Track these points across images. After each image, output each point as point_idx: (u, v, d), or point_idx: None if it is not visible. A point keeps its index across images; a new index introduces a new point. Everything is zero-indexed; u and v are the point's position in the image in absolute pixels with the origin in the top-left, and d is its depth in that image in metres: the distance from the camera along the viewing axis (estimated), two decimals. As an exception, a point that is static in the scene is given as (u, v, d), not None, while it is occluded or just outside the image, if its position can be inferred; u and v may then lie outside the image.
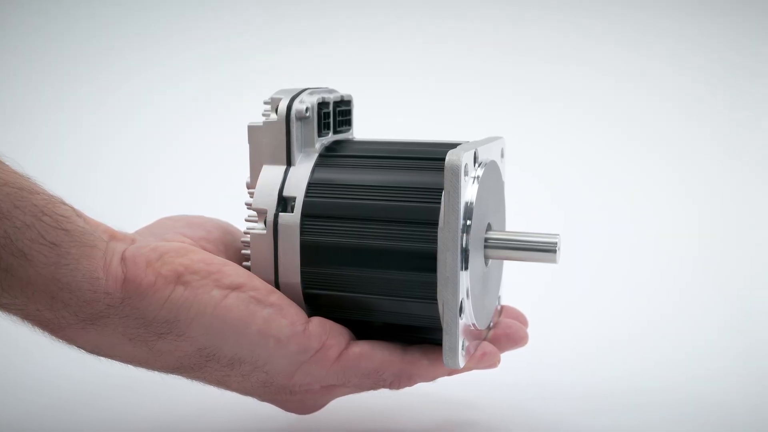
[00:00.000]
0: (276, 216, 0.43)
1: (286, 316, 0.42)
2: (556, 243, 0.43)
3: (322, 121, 0.46)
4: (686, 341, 0.67)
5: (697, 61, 1.06)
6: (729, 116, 1.04)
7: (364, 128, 0.56)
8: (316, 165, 0.45)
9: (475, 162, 0.42)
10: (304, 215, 0.43)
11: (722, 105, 1.05)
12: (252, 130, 0.45)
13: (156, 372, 0.43)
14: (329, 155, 0.45)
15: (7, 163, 0.38)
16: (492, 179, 0.45)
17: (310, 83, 0.50)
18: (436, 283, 0.41)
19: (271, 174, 0.44)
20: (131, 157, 1.05)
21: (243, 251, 0.45)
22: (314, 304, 0.44)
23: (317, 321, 0.43)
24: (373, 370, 0.43)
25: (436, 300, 0.41)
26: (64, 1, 1.10)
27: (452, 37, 1.10)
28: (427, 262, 0.41)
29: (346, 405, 0.50)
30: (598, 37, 1.09)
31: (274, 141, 0.45)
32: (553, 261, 0.43)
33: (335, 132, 0.48)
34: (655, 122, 1.05)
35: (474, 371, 0.45)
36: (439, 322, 0.41)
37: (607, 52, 1.08)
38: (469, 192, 0.41)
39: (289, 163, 0.45)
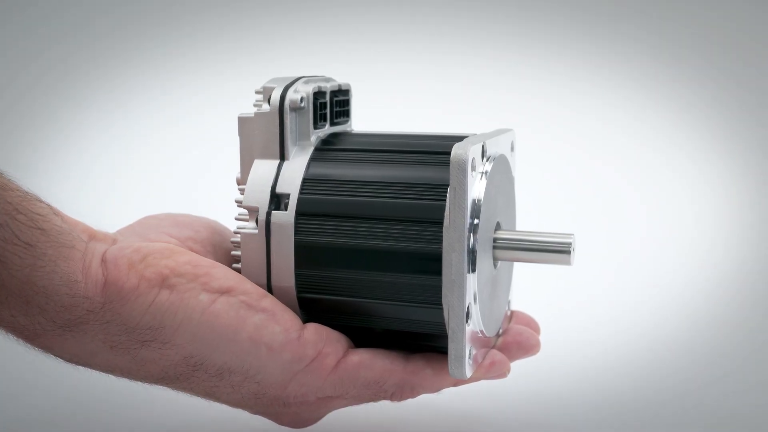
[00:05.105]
0: (268, 214, 0.43)
1: (279, 322, 0.41)
2: (570, 243, 0.43)
3: (319, 112, 0.46)
4: (708, 349, 0.67)
5: (712, 57, 1.06)
6: (746, 111, 1.04)
7: (363, 120, 0.56)
8: (312, 159, 0.45)
9: (482, 156, 0.42)
10: (299, 213, 0.43)
11: (741, 99, 1.04)
12: (243, 121, 0.45)
13: (139, 382, 0.43)
14: (326, 149, 0.45)
15: (-23, 158, 0.38)
16: (501, 175, 0.45)
17: (306, 71, 0.50)
18: (440, 286, 0.40)
19: (263, 169, 0.44)
20: (112, 150, 1.05)
21: (233, 252, 0.45)
22: (310, 309, 0.44)
23: (313, 327, 0.43)
24: (373, 380, 0.43)
25: (440, 305, 0.41)
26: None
27: (459, 22, 1.10)
28: (432, 263, 0.41)
29: (345, 418, 0.50)
30: (613, 25, 1.09)
31: (266, 133, 0.45)
32: (567, 263, 0.43)
33: (332, 124, 0.48)
34: (673, 116, 1.05)
35: (482, 382, 0.45)
36: (444, 328, 0.41)
37: (620, 41, 1.08)
38: (476, 188, 0.41)
39: (282, 157, 0.45)
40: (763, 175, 0.99)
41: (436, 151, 0.43)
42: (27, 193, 0.38)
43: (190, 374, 0.41)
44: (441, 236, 0.40)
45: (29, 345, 0.40)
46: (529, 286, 0.59)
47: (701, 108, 1.05)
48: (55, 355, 0.41)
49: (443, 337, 0.41)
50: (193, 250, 0.44)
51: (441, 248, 0.40)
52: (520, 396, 0.57)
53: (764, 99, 1.04)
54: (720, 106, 1.05)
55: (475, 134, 0.44)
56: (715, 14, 1.06)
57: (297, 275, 0.43)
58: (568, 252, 0.43)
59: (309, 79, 0.46)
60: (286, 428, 0.47)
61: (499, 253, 0.44)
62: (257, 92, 0.46)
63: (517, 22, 1.10)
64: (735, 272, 0.84)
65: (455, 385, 0.45)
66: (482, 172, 0.42)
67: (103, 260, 0.40)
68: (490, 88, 1.07)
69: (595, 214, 0.94)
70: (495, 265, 0.45)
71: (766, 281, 0.82)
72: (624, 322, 0.72)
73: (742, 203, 0.96)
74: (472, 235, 0.40)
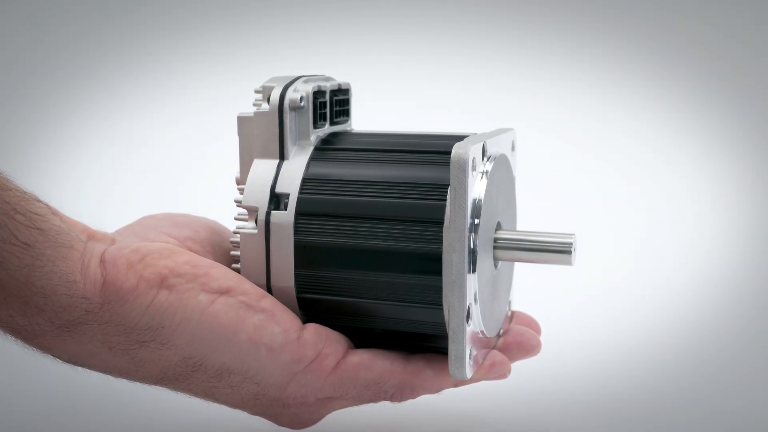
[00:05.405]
0: (268, 214, 0.43)
1: (278, 323, 0.41)
2: (571, 243, 0.43)
3: (318, 112, 0.46)
4: (709, 349, 0.67)
5: (712, 57, 1.06)
6: (747, 111, 1.04)
7: (363, 119, 0.56)
8: (312, 159, 0.44)
9: (483, 156, 0.42)
10: (299, 213, 0.43)
11: (742, 99, 1.04)
12: (242, 121, 0.45)
13: (138, 383, 0.43)
14: (326, 148, 0.45)
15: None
16: (502, 174, 0.45)
17: (305, 70, 0.50)
18: (441, 286, 0.40)
19: (263, 169, 0.44)
20: (112, 150, 1.05)
21: (232, 252, 0.45)
22: (309, 309, 0.44)
23: (312, 328, 0.43)
24: (372, 381, 0.43)
25: (441, 305, 0.41)
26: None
27: (459, 22, 1.10)
28: (432, 264, 0.40)
29: (344, 419, 0.50)
30: (613, 25, 1.08)
31: (265, 133, 0.44)
32: (569, 263, 0.43)
33: (332, 123, 0.48)
34: (673, 116, 1.05)
35: (482, 382, 0.45)
36: (445, 329, 0.41)
37: (621, 41, 1.08)
38: (477, 188, 0.41)
39: (282, 156, 0.44)
40: (764, 175, 0.99)
41: (436, 151, 0.43)
42: (25, 192, 0.38)
43: (189, 375, 0.41)
44: (441, 236, 0.40)
45: (27, 345, 0.40)
46: (530, 287, 0.59)
47: (702, 108, 1.05)
48: (53, 356, 0.41)
49: (443, 337, 0.41)
50: (192, 250, 0.44)
51: (441, 248, 0.40)
52: (520, 397, 0.57)
53: (765, 99, 1.04)
54: (720, 106, 1.05)
55: (476, 134, 0.44)
56: (715, 14, 1.06)
57: (296, 275, 0.43)
58: (569, 252, 0.43)
59: (309, 79, 0.46)
60: (286, 429, 0.46)
61: (500, 253, 0.44)
62: (257, 91, 0.46)
63: (517, 22, 1.10)
64: (735, 272, 0.84)
65: (456, 385, 0.45)
66: (483, 172, 0.42)
67: (102, 260, 0.40)
68: (491, 87, 1.06)
69: (596, 214, 0.94)
70: (496, 266, 0.45)
71: (766, 281, 0.82)
72: (625, 323, 0.72)
73: (742, 203, 0.96)
74: (472, 235, 0.40)
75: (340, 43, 1.09)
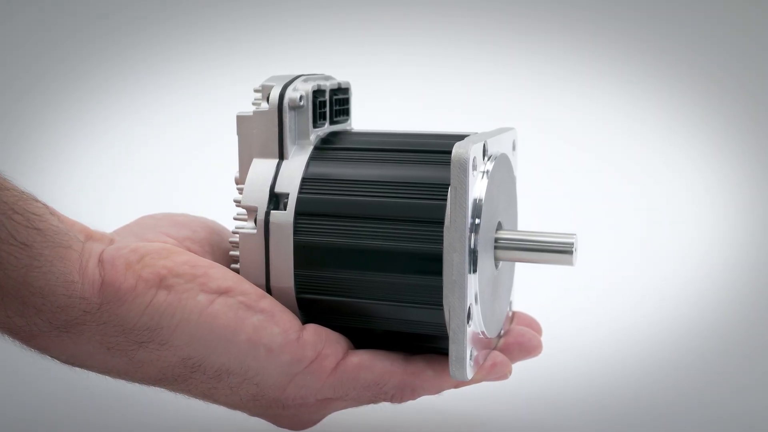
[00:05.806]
0: (267, 214, 0.43)
1: (278, 324, 0.41)
2: (572, 243, 0.42)
3: (318, 111, 0.46)
4: (710, 350, 0.66)
5: (713, 57, 1.06)
6: (747, 111, 1.04)
7: (363, 119, 0.56)
8: (311, 158, 0.44)
9: (484, 155, 0.42)
10: (298, 213, 0.43)
11: (742, 100, 1.04)
12: (241, 120, 0.45)
13: (136, 384, 0.43)
14: (325, 148, 0.45)
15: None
16: (503, 174, 0.44)
17: (305, 69, 0.50)
18: (441, 287, 0.40)
19: (262, 168, 0.44)
20: (111, 150, 1.05)
21: (231, 252, 0.44)
22: (309, 310, 0.44)
23: (312, 329, 0.42)
24: (372, 382, 0.43)
25: (441, 306, 0.41)
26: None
27: (460, 21, 1.10)
28: (432, 264, 0.40)
29: (344, 420, 0.50)
30: (613, 25, 1.08)
31: (265, 132, 0.44)
32: (570, 263, 0.43)
33: (332, 122, 0.48)
34: (674, 116, 1.05)
35: (483, 383, 0.45)
36: (445, 329, 0.41)
37: (621, 40, 1.08)
38: (477, 188, 0.41)
39: (281, 156, 0.44)
40: (764, 175, 0.99)
41: (436, 150, 0.43)
42: (23, 192, 0.38)
43: (188, 376, 0.41)
44: (442, 236, 0.40)
45: (25, 346, 0.40)
46: (531, 287, 0.59)
47: (702, 108, 1.05)
48: (51, 357, 0.40)
49: (444, 338, 0.41)
50: (191, 251, 0.43)
51: (442, 248, 0.40)
52: (521, 397, 0.57)
53: (765, 99, 1.03)
54: (720, 106, 1.05)
55: (477, 133, 0.44)
56: (715, 14, 1.06)
57: (296, 275, 0.43)
58: (571, 252, 0.42)
59: (308, 78, 0.46)
60: (285, 430, 0.46)
61: (501, 253, 0.44)
62: (256, 90, 0.45)
63: (518, 22, 1.10)
64: (735, 272, 0.84)
65: (456, 386, 0.45)
66: (483, 172, 0.41)
67: (100, 260, 0.39)
68: (491, 87, 1.06)
69: (597, 214, 0.94)
70: (496, 266, 0.44)
71: (766, 281, 0.81)
72: (626, 323, 0.72)
73: (742, 203, 0.96)
74: (473, 235, 0.40)
75: (340, 42, 1.09)
